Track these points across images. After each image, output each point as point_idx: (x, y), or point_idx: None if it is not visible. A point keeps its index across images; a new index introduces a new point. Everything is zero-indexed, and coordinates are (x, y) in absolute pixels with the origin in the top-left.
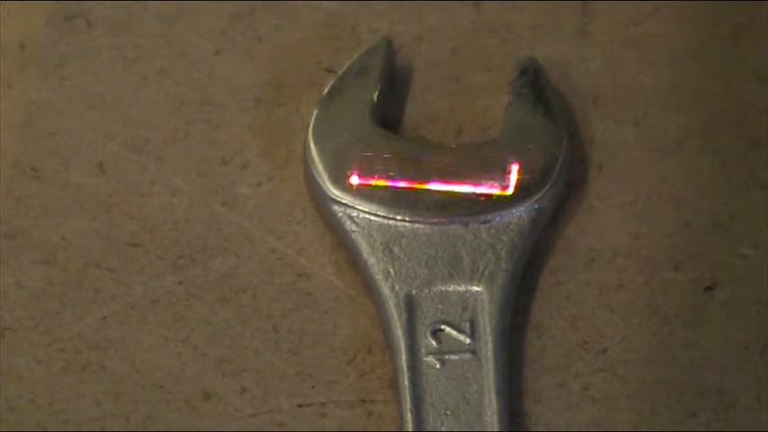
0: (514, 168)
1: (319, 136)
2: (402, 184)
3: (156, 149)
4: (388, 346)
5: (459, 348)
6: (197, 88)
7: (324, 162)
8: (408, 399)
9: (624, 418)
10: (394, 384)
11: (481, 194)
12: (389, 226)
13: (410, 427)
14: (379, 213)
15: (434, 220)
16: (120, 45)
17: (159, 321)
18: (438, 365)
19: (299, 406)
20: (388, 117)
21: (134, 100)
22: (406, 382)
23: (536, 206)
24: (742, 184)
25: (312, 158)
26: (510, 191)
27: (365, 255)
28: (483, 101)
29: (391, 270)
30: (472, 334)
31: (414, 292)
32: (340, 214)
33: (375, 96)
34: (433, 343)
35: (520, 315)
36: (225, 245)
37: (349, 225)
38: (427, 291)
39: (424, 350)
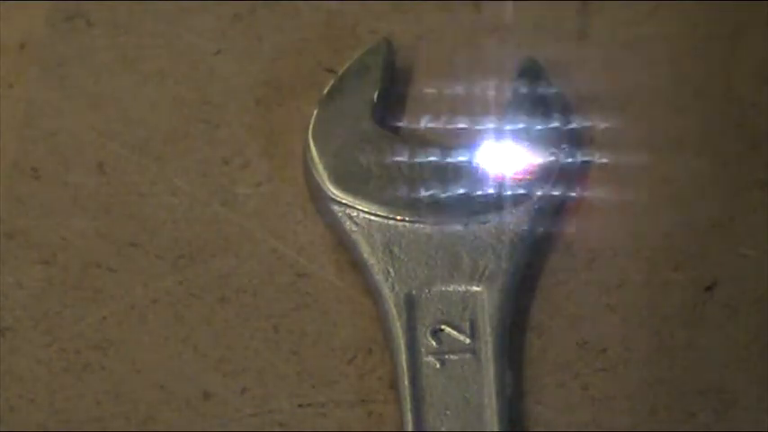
0: (514, 168)
1: (319, 136)
2: (402, 184)
3: (156, 149)
4: (388, 346)
5: (459, 348)
6: (197, 88)
7: (324, 162)
8: (408, 399)
9: (624, 418)
10: (394, 384)
11: (481, 194)
12: (389, 226)
13: (410, 427)
14: (379, 213)
15: (434, 220)
16: (120, 45)
17: (159, 321)
18: (438, 365)
19: (299, 406)
20: (388, 117)
21: (134, 100)
22: (406, 382)
23: (536, 206)
24: (742, 184)
25: (312, 158)
26: (510, 191)
27: (365, 255)
28: (483, 101)
29: (391, 270)
30: (472, 334)
31: (414, 292)
32: (340, 214)
33: (375, 96)
34: (433, 343)
35: (520, 315)
36: (225, 245)
37: (349, 225)
38: (427, 291)
39: (424, 350)
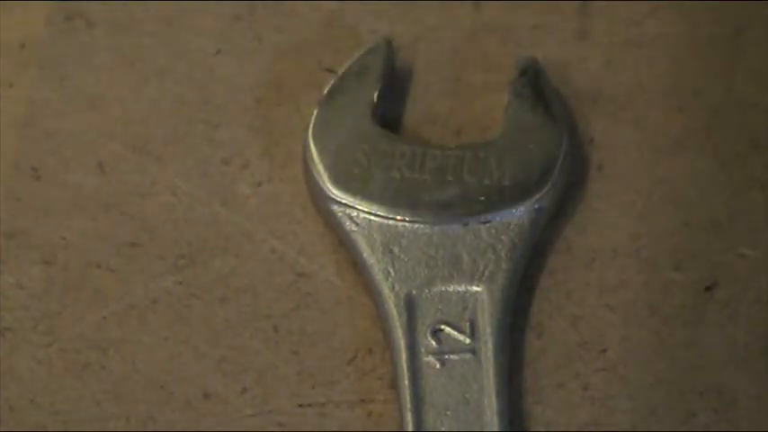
0: (514, 168)
1: (319, 136)
2: (402, 184)
3: (156, 149)
4: (388, 346)
5: (459, 348)
6: (197, 88)
7: (324, 162)
8: (408, 399)
9: (624, 418)
10: (394, 384)
11: (481, 194)
12: (389, 226)
13: (410, 427)
14: (379, 213)
15: (434, 220)
16: (120, 45)
17: (159, 321)
18: (438, 365)
19: (299, 406)
20: (388, 117)
21: (134, 100)
22: (406, 382)
23: (536, 206)
24: (742, 184)
25: (312, 158)
26: (510, 191)
27: (365, 255)
28: (483, 101)
29: (391, 270)
30: (472, 334)
31: (414, 292)
32: (340, 214)
33: (375, 96)
34: (433, 343)
35: (520, 315)
36: (225, 245)
37: (349, 225)
38: (427, 291)
39: (424, 350)
